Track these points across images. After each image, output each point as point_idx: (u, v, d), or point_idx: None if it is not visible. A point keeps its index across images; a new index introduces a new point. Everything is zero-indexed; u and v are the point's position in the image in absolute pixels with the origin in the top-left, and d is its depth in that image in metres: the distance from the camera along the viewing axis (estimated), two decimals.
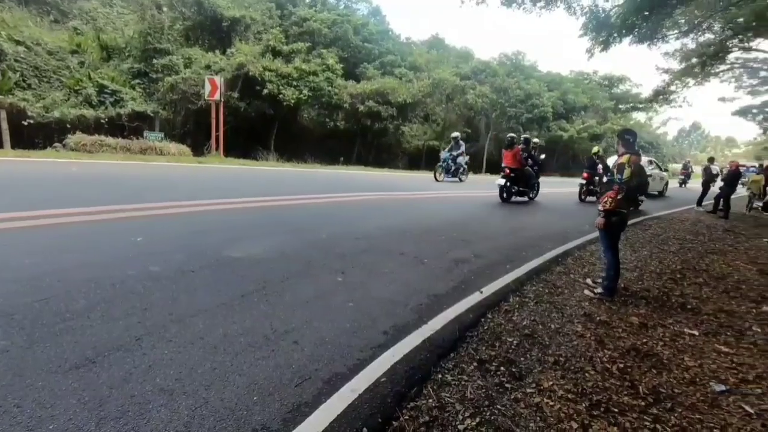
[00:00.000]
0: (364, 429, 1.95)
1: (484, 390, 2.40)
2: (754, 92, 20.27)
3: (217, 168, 13.05)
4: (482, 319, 3.39)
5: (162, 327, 2.54)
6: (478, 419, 2.14)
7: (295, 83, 22.38)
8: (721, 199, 12.30)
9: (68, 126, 15.88)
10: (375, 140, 27.87)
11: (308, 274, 3.78)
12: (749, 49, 16.02)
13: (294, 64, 23.08)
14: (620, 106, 45.27)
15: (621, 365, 2.86)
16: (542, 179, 11.94)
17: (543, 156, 12.93)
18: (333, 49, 27.09)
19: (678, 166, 36.47)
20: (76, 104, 17.59)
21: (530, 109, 33.22)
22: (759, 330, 3.81)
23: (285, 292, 3.31)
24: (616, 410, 2.35)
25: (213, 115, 17.18)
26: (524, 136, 12.80)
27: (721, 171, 17.53)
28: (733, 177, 12.46)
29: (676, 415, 2.38)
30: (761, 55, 16.97)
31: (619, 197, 4.00)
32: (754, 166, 22.71)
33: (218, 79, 16.74)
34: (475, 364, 2.68)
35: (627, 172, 3.93)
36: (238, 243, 4.41)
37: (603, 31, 11.37)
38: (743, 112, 22.16)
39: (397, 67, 30.76)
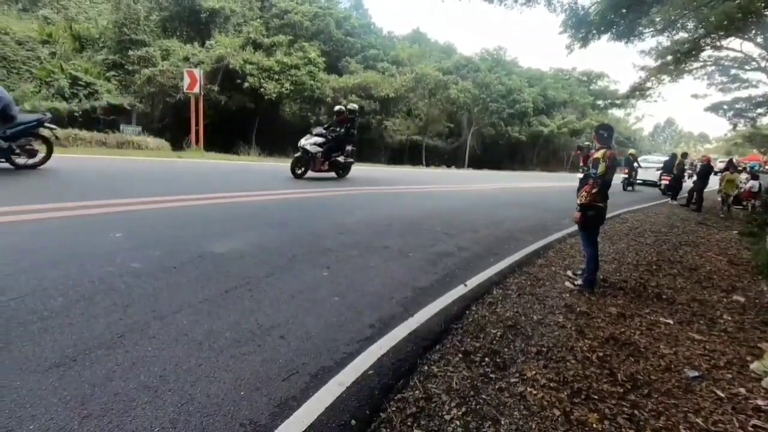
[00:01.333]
0: (353, 421, 1.97)
1: (469, 380, 2.44)
2: (725, 89, 20.97)
3: (197, 162, 12.80)
4: (467, 311, 3.44)
5: (145, 324, 2.49)
6: (464, 409, 2.18)
7: (276, 77, 22.09)
8: (695, 193, 12.71)
9: None
10: (358, 135, 27.73)
11: (293, 269, 3.76)
12: (720, 48, 16.55)
13: (275, 57, 22.76)
14: (599, 102, 46.27)
15: (600, 354, 2.95)
16: (524, 174, 12.43)
17: None
18: (315, 43, 26.81)
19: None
20: (47, 96, 16.98)
21: (512, 104, 33.62)
22: (729, 318, 3.98)
23: (270, 287, 3.29)
24: (596, 397, 2.42)
25: (192, 108, 16.81)
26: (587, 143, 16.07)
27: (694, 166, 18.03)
28: (705, 171, 12.88)
29: (652, 400, 2.47)
30: (732, 54, 17.56)
31: (593, 191, 4.09)
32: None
33: (197, 72, 16.37)
34: (460, 355, 2.73)
35: (602, 167, 4.02)
36: (220, 238, 4.35)
37: (582, 27, 11.57)
38: (714, 109, 22.89)
39: (380, 61, 30.67)
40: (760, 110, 21.05)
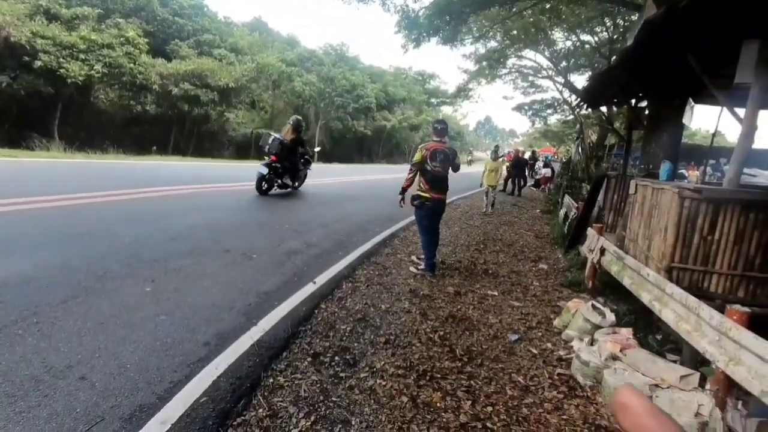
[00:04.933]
0: None
1: (318, 385, 2.32)
2: (525, 93, 25.13)
3: None
4: (316, 311, 3.32)
5: None
6: (313, 417, 2.05)
7: (82, 56, 18.43)
8: (509, 180, 15.09)
9: None
10: (195, 127, 25.19)
11: (103, 289, 3.09)
12: (521, 58, 19.85)
13: (80, 32, 18.95)
14: (432, 100, 51.11)
15: (441, 333, 3.16)
16: (371, 166, 12.84)
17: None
18: (134, 20, 23.23)
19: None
20: None
21: (356, 99, 34.74)
22: (537, 284, 4.73)
23: (68, 316, 2.62)
24: (439, 376, 2.56)
25: None
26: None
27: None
28: (516, 161, 15.48)
29: (484, 368, 2.72)
30: (529, 63, 21.16)
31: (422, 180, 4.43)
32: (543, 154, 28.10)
33: None
34: (309, 359, 2.59)
35: (417, 156, 4.40)
36: None
37: (414, 29, 12.43)
38: (519, 109, 27.23)
39: (216, 47, 28.30)
40: (549, 111, 25.90)
